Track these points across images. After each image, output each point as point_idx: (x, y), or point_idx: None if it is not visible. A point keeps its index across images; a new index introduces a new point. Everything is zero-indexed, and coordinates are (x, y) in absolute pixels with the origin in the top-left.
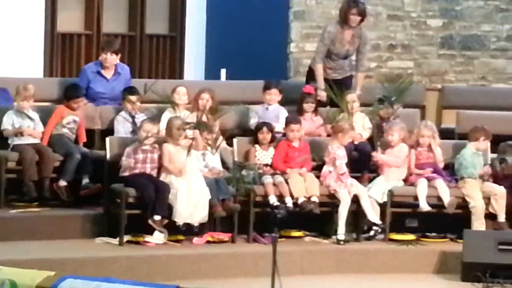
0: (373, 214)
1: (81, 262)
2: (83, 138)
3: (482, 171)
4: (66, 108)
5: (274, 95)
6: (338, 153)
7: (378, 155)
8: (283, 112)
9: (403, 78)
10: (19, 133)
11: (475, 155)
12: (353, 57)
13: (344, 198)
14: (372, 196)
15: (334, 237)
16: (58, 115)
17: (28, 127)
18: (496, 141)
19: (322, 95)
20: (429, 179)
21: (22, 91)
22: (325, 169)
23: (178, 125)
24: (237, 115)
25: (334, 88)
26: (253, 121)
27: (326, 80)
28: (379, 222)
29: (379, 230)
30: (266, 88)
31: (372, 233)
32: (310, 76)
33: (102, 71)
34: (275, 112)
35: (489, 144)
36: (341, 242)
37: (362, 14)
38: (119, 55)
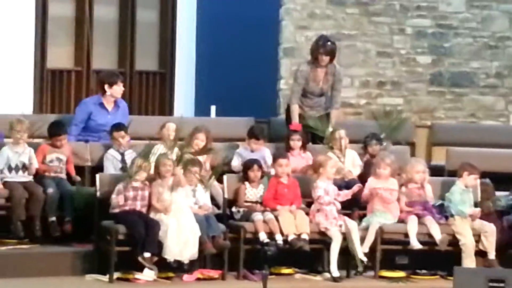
0: (360, 251)
1: None
2: (72, 173)
3: (472, 211)
4: (48, 146)
5: (261, 144)
6: (319, 189)
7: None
8: (268, 153)
9: (396, 115)
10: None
11: (464, 192)
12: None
13: (335, 236)
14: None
15: (325, 274)
16: (40, 153)
17: (23, 163)
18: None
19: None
20: (419, 216)
21: (16, 125)
22: (313, 207)
23: (165, 162)
24: (226, 153)
25: (315, 123)
26: (235, 163)
27: (303, 117)
28: (364, 259)
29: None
30: (253, 137)
31: (360, 269)
32: (289, 115)
33: (105, 104)
34: (260, 154)
35: (478, 181)
36: (337, 279)
37: (330, 54)
38: None
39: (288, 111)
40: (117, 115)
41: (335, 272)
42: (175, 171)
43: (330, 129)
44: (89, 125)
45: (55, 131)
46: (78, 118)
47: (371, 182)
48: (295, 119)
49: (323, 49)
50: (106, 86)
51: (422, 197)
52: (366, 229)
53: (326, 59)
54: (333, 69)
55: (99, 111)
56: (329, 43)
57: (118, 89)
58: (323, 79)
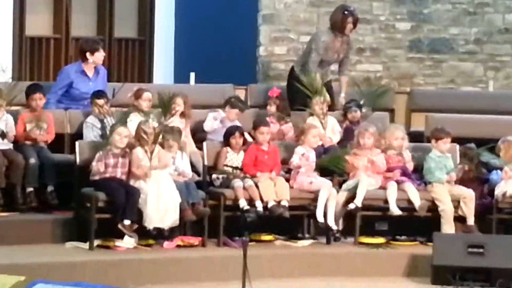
0: (332, 218)
1: (51, 267)
2: (46, 139)
3: (448, 177)
4: (27, 114)
5: (236, 114)
6: (295, 155)
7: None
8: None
9: (377, 82)
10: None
11: (441, 158)
12: None
13: (325, 185)
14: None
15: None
16: (20, 122)
17: (1, 130)
18: (465, 144)
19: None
20: (398, 182)
21: None
22: (292, 173)
23: (147, 129)
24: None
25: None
26: (210, 123)
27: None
28: (335, 227)
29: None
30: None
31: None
32: (292, 80)
33: (86, 71)
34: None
35: (457, 146)
36: (336, 236)
37: (356, 23)
38: None
39: (292, 77)
40: (98, 82)
41: (333, 225)
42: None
43: (343, 95)
44: (72, 94)
45: (30, 90)
46: (58, 85)
47: (355, 152)
48: (318, 87)
49: (352, 17)
50: (87, 54)
51: (401, 163)
52: (349, 190)
53: (351, 27)
54: (347, 38)
55: (81, 79)
56: (354, 11)
57: (100, 56)
58: (340, 48)
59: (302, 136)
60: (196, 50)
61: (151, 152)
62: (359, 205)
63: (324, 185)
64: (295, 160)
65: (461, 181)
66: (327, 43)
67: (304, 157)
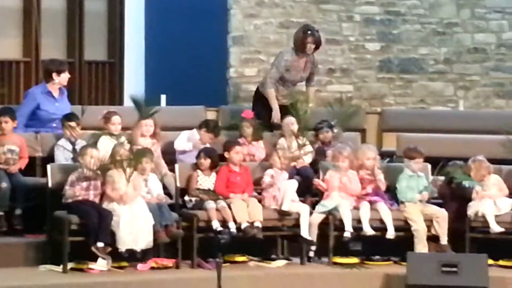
0: (306, 232)
1: None
2: (19, 165)
3: (420, 196)
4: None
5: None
6: (265, 176)
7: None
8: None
9: (347, 102)
10: None
11: (413, 178)
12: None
13: (302, 209)
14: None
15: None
16: None
17: None
18: (436, 163)
19: (278, 117)
20: (371, 202)
21: None
22: (264, 193)
23: (122, 153)
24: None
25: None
26: (181, 143)
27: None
28: (309, 238)
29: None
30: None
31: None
32: (257, 100)
33: (52, 92)
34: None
35: (429, 166)
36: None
37: (317, 42)
38: None
39: (257, 96)
40: (63, 102)
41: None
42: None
43: (311, 105)
44: (39, 116)
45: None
46: (25, 109)
47: (330, 174)
48: (274, 102)
49: (312, 37)
50: (54, 74)
51: (373, 183)
52: (324, 213)
53: (312, 47)
54: (312, 57)
55: (47, 100)
56: (316, 32)
57: (65, 77)
58: (304, 67)
59: (270, 158)
60: (166, 72)
61: (129, 176)
62: (351, 231)
63: (303, 209)
64: (265, 180)
65: (441, 199)
66: (289, 61)
67: (273, 178)
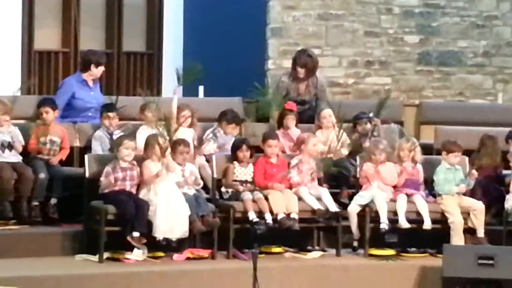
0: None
1: (61, 279)
2: (60, 157)
3: (457, 189)
4: (41, 127)
5: (232, 128)
6: (292, 164)
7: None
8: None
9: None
10: (7, 148)
11: (450, 171)
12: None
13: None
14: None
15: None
16: (33, 134)
17: (8, 142)
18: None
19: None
20: (408, 195)
21: None
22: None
23: (157, 142)
24: None
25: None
26: (208, 147)
27: None
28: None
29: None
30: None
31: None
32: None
33: (87, 81)
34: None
35: (467, 158)
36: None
37: (304, 66)
38: None
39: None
40: (97, 91)
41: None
42: (163, 155)
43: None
44: (74, 105)
45: (40, 103)
46: (61, 98)
47: (368, 166)
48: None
49: (298, 60)
50: (92, 66)
51: (413, 175)
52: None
53: (301, 71)
54: (315, 81)
55: (82, 89)
56: (305, 55)
57: (101, 70)
58: (304, 91)
59: (302, 145)
60: (204, 63)
61: (162, 158)
62: (387, 223)
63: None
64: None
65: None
66: (286, 84)
67: (298, 167)
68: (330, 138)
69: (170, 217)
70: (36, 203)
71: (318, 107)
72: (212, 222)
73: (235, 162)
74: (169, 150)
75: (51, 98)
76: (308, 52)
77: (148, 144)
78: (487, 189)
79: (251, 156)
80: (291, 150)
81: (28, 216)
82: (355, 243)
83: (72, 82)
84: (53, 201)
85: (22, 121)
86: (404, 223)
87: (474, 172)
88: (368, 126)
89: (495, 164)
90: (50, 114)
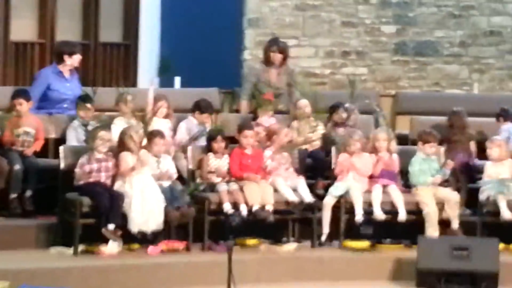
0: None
1: (36, 272)
2: (35, 148)
3: (433, 179)
4: (16, 118)
5: (205, 118)
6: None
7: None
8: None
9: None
10: None
11: (425, 161)
12: None
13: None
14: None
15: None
16: (8, 126)
17: None
18: None
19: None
20: (384, 185)
21: None
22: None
23: (134, 135)
24: None
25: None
26: (180, 137)
27: None
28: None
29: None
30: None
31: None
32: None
33: (63, 72)
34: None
35: (442, 149)
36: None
37: (283, 51)
38: None
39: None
40: (74, 83)
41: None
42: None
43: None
44: (50, 96)
45: (14, 95)
46: (36, 89)
47: (343, 157)
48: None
49: (276, 46)
50: (65, 56)
51: (389, 166)
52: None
53: (279, 56)
54: (288, 69)
55: (58, 80)
56: (280, 42)
57: (77, 59)
58: (276, 78)
59: (274, 136)
60: (181, 55)
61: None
62: (362, 214)
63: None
64: (268, 163)
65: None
66: (257, 71)
67: (272, 159)
68: (305, 129)
69: (146, 209)
70: (14, 195)
71: (291, 96)
72: (187, 212)
73: (210, 153)
74: (144, 141)
75: (24, 89)
76: (280, 39)
77: (124, 136)
78: (458, 179)
79: (226, 147)
80: (263, 140)
81: (6, 209)
82: (324, 237)
83: (47, 73)
84: (28, 193)
85: None
86: (379, 214)
87: (450, 162)
88: (344, 115)
89: (467, 140)
90: (24, 106)
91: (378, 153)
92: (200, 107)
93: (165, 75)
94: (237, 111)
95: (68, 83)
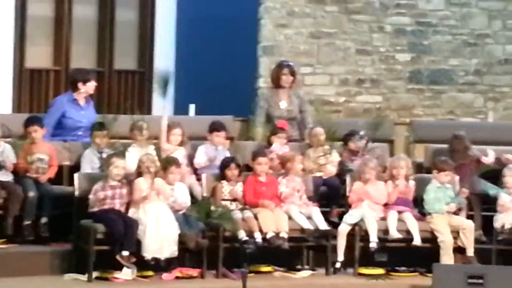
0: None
1: None
2: (49, 175)
3: (447, 207)
4: (29, 146)
5: (222, 137)
6: (280, 185)
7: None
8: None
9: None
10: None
11: (440, 189)
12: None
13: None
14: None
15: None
16: (22, 153)
17: None
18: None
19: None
20: (398, 212)
21: None
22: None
23: (150, 164)
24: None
25: None
26: (199, 160)
27: None
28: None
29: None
30: (214, 130)
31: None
32: None
33: (78, 100)
34: (224, 153)
35: (457, 177)
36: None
37: (293, 74)
38: None
39: None
40: (89, 110)
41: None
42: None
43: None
44: (65, 124)
45: (28, 122)
46: (52, 117)
47: (357, 185)
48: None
49: (287, 68)
50: (80, 84)
51: (404, 193)
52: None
53: (289, 79)
54: (297, 92)
55: (73, 108)
56: (290, 64)
57: (91, 86)
58: (287, 101)
59: (288, 164)
60: (196, 82)
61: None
62: (377, 242)
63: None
64: (282, 190)
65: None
66: (266, 95)
67: (286, 186)
68: (320, 157)
69: (160, 236)
70: (28, 222)
71: (303, 122)
72: (200, 242)
73: (223, 181)
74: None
75: (37, 116)
76: (289, 62)
77: (141, 164)
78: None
79: (239, 175)
80: (277, 168)
81: (20, 235)
82: (338, 264)
83: (63, 101)
84: (44, 220)
85: (12, 140)
86: (394, 233)
87: (465, 190)
88: (361, 143)
89: (469, 159)
90: (38, 133)
91: (395, 180)
92: (216, 126)
93: (164, 90)
94: (252, 138)
95: (83, 111)
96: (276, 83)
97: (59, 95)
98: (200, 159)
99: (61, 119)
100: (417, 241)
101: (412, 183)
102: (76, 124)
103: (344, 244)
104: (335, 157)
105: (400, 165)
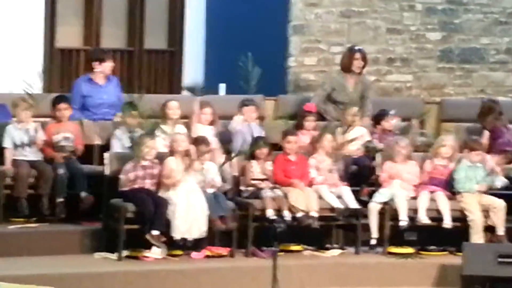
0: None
1: (80, 277)
2: (78, 150)
3: (478, 186)
4: (54, 125)
5: (253, 112)
6: (311, 164)
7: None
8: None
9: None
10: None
11: (471, 168)
12: None
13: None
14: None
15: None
16: (46, 134)
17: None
18: None
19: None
20: (430, 192)
21: (20, 103)
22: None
23: (181, 142)
24: None
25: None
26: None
27: None
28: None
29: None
30: (244, 105)
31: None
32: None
33: (95, 80)
34: (257, 129)
35: (488, 156)
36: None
37: (365, 59)
38: None
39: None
40: (110, 89)
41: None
42: (188, 152)
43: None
44: (87, 104)
45: (56, 100)
46: (74, 98)
47: (389, 165)
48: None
49: (359, 53)
50: (95, 64)
51: (443, 175)
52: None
53: (360, 64)
54: (363, 78)
55: (91, 87)
56: (361, 48)
57: (107, 66)
58: (353, 87)
59: (317, 143)
60: (226, 61)
61: (188, 165)
62: (407, 221)
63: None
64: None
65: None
66: (335, 80)
67: (316, 167)
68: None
69: (190, 217)
70: (60, 199)
71: (363, 108)
72: (229, 225)
73: (252, 161)
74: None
75: (65, 95)
76: (361, 48)
77: (172, 143)
78: None
79: (269, 154)
80: (307, 148)
81: (50, 214)
82: (373, 241)
83: (80, 83)
84: (83, 194)
85: (43, 119)
86: (423, 219)
87: (496, 168)
88: (394, 122)
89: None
90: (66, 111)
91: (438, 159)
92: (244, 101)
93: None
94: (281, 117)
95: (102, 89)
96: (347, 68)
97: (78, 78)
98: (236, 124)
99: (82, 100)
100: (447, 223)
101: (452, 164)
102: (96, 102)
103: (376, 222)
104: (366, 137)
105: (449, 144)
